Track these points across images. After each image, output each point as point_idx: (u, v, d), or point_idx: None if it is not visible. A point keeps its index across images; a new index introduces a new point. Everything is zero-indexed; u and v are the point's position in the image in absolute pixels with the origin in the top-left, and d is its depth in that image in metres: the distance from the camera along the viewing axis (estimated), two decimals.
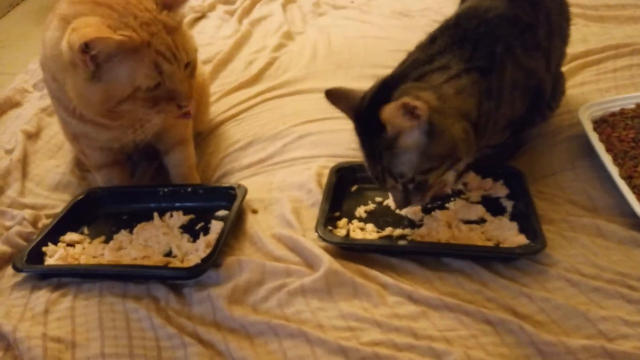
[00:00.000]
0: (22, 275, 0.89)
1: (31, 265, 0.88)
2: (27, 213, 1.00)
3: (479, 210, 0.89)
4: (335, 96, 0.83)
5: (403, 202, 0.83)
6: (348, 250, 0.86)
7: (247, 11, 1.71)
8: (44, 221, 1.01)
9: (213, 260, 0.83)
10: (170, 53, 0.83)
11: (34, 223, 1.00)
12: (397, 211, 0.91)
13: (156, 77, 0.82)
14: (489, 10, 0.89)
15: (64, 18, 0.81)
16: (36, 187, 1.11)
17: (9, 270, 0.90)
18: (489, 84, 0.83)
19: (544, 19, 0.92)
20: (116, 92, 0.82)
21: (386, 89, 0.80)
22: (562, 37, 1.00)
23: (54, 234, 0.95)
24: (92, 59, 0.78)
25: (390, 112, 0.74)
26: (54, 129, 1.24)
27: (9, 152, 1.18)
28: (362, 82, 1.27)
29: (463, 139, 0.79)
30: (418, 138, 0.76)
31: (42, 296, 0.84)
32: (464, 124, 0.79)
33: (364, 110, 0.80)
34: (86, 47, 0.77)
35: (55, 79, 0.86)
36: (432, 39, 0.87)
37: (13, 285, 0.88)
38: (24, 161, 1.15)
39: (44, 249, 0.92)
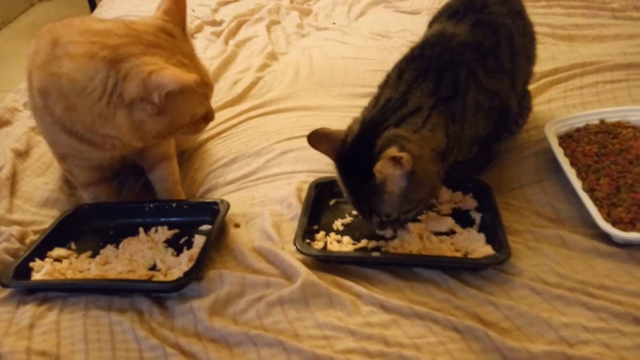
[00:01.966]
0: (9, 290, 0.90)
1: (17, 281, 0.90)
2: (15, 229, 1.02)
3: (449, 223, 0.93)
4: (317, 139, 0.88)
5: (380, 228, 0.91)
6: (324, 262, 0.89)
7: (233, 32, 1.76)
8: (31, 237, 1.03)
9: (195, 274, 0.87)
10: (210, 82, 0.94)
11: (21, 239, 1.02)
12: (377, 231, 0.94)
13: (206, 104, 0.93)
14: (452, 38, 0.94)
15: (108, 58, 0.85)
16: (24, 203, 1.13)
17: None
18: (453, 110, 0.89)
19: (505, 42, 0.97)
20: (178, 121, 0.91)
21: (367, 133, 0.85)
22: (527, 57, 1.05)
23: (41, 249, 0.97)
24: (165, 96, 0.85)
25: (381, 166, 0.80)
26: (43, 148, 1.27)
27: None
28: (342, 100, 1.34)
29: (439, 180, 0.87)
30: (401, 184, 0.82)
31: (28, 311, 0.86)
32: (438, 166, 0.86)
33: (346, 154, 0.86)
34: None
35: (71, 107, 0.90)
36: (400, 71, 0.92)
37: None
38: (13, 179, 1.17)
39: (30, 264, 0.94)
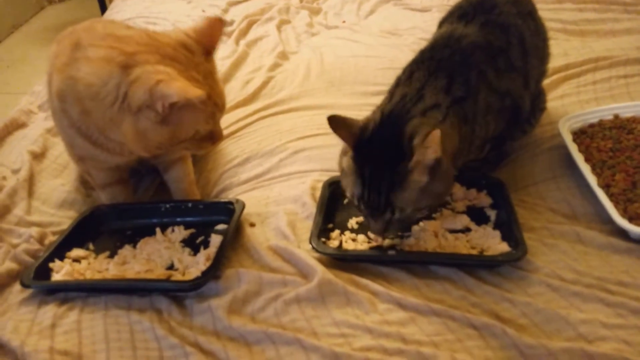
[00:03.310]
0: (30, 291, 0.91)
1: (38, 281, 0.91)
2: (34, 231, 1.04)
3: (464, 220, 0.93)
4: (337, 122, 0.86)
5: (381, 231, 0.87)
6: (340, 261, 0.90)
7: (244, 32, 1.76)
8: (50, 238, 1.04)
9: (213, 272, 0.88)
10: (221, 103, 0.94)
11: (40, 240, 1.03)
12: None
13: (211, 123, 0.93)
14: (461, 39, 0.94)
15: (123, 63, 0.86)
16: (42, 205, 1.14)
17: (17, 286, 0.93)
18: (466, 110, 0.89)
19: (516, 42, 0.97)
20: (180, 134, 0.91)
21: (390, 123, 0.84)
22: (540, 56, 1.05)
23: (60, 250, 0.98)
24: (170, 107, 0.85)
25: (426, 142, 0.78)
26: (59, 149, 1.28)
27: (15, 172, 1.22)
28: (353, 99, 1.34)
29: (453, 179, 0.86)
30: (424, 175, 0.81)
31: (49, 311, 0.87)
32: (452, 166, 0.86)
33: (367, 142, 0.84)
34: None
35: (87, 112, 0.91)
36: (410, 72, 0.92)
37: (21, 301, 0.90)
38: (30, 180, 1.18)
39: (50, 265, 0.95)
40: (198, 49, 0.93)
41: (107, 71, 0.87)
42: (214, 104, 0.92)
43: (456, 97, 0.88)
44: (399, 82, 0.93)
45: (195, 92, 0.83)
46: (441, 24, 1.06)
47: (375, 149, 0.83)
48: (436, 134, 0.77)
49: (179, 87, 0.83)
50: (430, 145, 0.78)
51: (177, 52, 0.90)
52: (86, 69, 0.89)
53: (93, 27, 0.96)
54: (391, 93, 0.92)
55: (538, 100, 1.07)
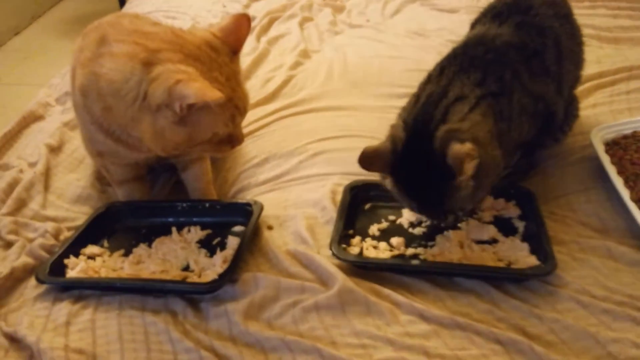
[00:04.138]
0: (45, 286, 0.91)
1: (53, 277, 0.91)
2: (50, 226, 1.03)
3: (490, 231, 0.90)
4: (367, 161, 0.83)
5: (452, 224, 0.89)
6: (361, 268, 0.87)
7: (265, 29, 1.74)
8: (65, 234, 1.03)
9: (230, 275, 0.86)
10: (242, 106, 0.92)
11: (55, 235, 1.02)
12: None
13: (231, 126, 0.91)
14: (495, 38, 0.91)
15: (145, 60, 0.84)
16: (58, 199, 1.13)
17: (32, 281, 0.92)
18: (501, 106, 0.85)
19: (552, 45, 0.94)
20: (198, 136, 0.88)
21: (416, 138, 0.81)
22: (575, 61, 1.02)
23: (75, 247, 0.97)
24: (188, 108, 0.83)
25: (463, 169, 0.76)
26: (75, 143, 1.27)
27: (32, 165, 1.21)
28: (377, 101, 1.31)
29: (497, 157, 0.83)
30: (470, 183, 0.79)
31: (64, 308, 0.86)
32: (495, 145, 0.83)
33: (401, 165, 0.82)
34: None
35: (108, 108, 0.90)
36: (441, 68, 0.89)
37: (36, 296, 0.90)
38: (47, 174, 1.18)
39: (65, 261, 0.94)
40: (224, 48, 0.91)
41: (130, 67, 0.85)
42: (235, 107, 0.89)
43: (490, 91, 0.85)
44: (429, 79, 0.90)
45: (213, 94, 0.81)
46: (473, 25, 1.03)
47: (412, 169, 0.81)
48: (464, 150, 0.75)
49: (198, 88, 0.81)
50: (466, 162, 0.76)
51: (202, 51, 0.88)
52: (109, 65, 0.87)
53: (119, 22, 0.94)
54: (419, 93, 0.89)
55: (571, 107, 1.04)
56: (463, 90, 0.84)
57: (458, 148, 0.76)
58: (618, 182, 0.92)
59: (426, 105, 0.84)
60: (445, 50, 0.98)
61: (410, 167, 0.81)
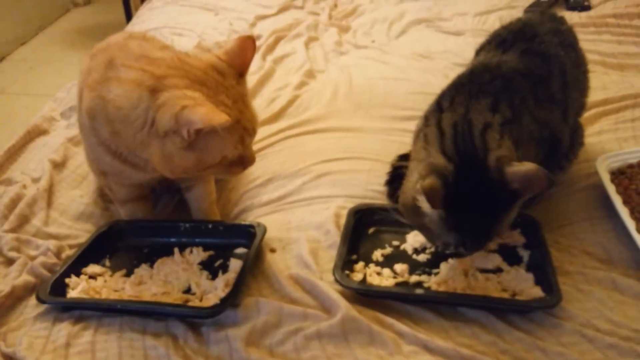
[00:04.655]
0: (45, 306, 0.90)
1: (54, 297, 0.90)
2: (52, 244, 1.02)
3: (495, 260, 0.90)
4: (436, 199, 0.78)
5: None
6: (364, 296, 0.86)
7: (271, 48, 1.74)
8: (67, 252, 1.03)
9: (232, 300, 0.85)
10: (251, 127, 0.91)
11: (57, 254, 1.02)
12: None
13: (240, 149, 0.90)
14: (500, 65, 0.91)
15: (151, 87, 0.85)
16: (60, 216, 1.13)
17: (33, 300, 0.92)
18: (516, 133, 0.85)
19: (557, 72, 0.94)
20: (207, 160, 0.88)
21: (467, 168, 0.80)
22: (580, 89, 1.02)
23: (76, 266, 0.97)
24: (195, 133, 0.83)
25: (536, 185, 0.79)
26: (79, 159, 1.27)
27: (35, 180, 1.21)
28: (382, 123, 1.31)
29: None
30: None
31: (64, 329, 0.86)
32: None
33: (455, 195, 0.79)
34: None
35: (116, 133, 0.90)
36: (451, 98, 0.89)
37: (36, 315, 0.90)
38: (50, 190, 1.17)
39: (66, 280, 0.94)
40: (230, 71, 0.91)
41: (137, 95, 0.85)
42: (243, 129, 0.89)
43: (506, 118, 0.85)
44: (440, 108, 0.89)
45: (220, 118, 0.81)
46: (478, 52, 1.04)
47: (466, 200, 0.79)
48: (527, 168, 0.78)
49: (204, 113, 0.81)
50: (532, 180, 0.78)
51: (207, 75, 0.88)
52: (117, 91, 0.87)
53: (127, 45, 0.94)
54: (436, 120, 0.87)
55: (576, 134, 1.04)
56: (485, 117, 0.84)
57: (518, 168, 0.78)
58: (624, 212, 0.92)
59: (461, 135, 0.83)
60: (450, 73, 0.98)
61: (465, 199, 0.79)
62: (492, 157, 0.80)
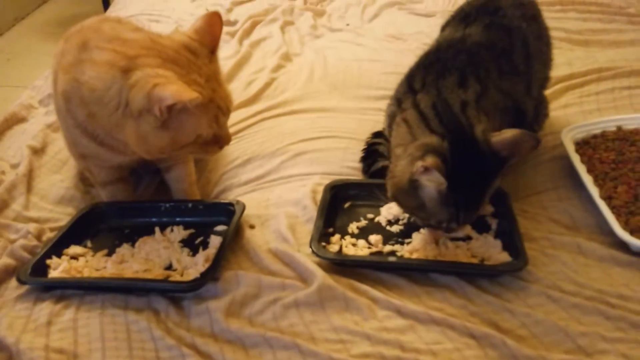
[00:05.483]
0: (26, 287, 0.91)
1: (35, 278, 0.91)
2: (32, 227, 1.03)
3: (465, 228, 0.93)
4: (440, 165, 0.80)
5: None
6: (340, 266, 0.89)
7: (248, 33, 1.75)
8: (48, 235, 1.04)
9: (212, 274, 0.87)
10: (225, 106, 0.92)
11: (38, 236, 1.02)
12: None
13: (215, 127, 0.91)
14: (465, 39, 0.93)
15: (124, 67, 0.85)
16: (40, 200, 1.13)
17: (13, 282, 0.92)
18: (486, 106, 0.88)
19: (520, 45, 0.97)
20: (181, 139, 0.89)
21: (458, 145, 0.82)
22: (544, 61, 1.05)
23: (57, 247, 0.97)
24: (168, 111, 0.84)
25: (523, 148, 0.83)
26: (59, 145, 1.27)
27: (14, 166, 1.21)
28: (356, 103, 1.34)
29: None
30: None
31: (45, 308, 0.87)
32: None
33: (454, 170, 0.80)
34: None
35: (92, 115, 0.91)
36: (422, 80, 0.91)
37: (16, 297, 0.90)
38: (29, 175, 1.18)
39: (47, 261, 0.95)
40: (202, 50, 0.92)
41: (110, 76, 0.86)
42: (217, 107, 0.91)
43: (477, 93, 0.88)
44: (411, 89, 0.91)
45: (190, 94, 0.82)
46: (443, 27, 1.06)
47: (462, 174, 0.81)
48: (512, 134, 0.81)
49: (175, 90, 0.82)
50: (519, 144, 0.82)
51: (180, 55, 0.89)
52: (90, 73, 0.88)
53: (101, 27, 0.95)
54: (412, 105, 0.90)
55: (541, 106, 1.07)
56: (459, 95, 0.87)
57: (504, 136, 0.81)
58: (588, 180, 0.96)
59: (444, 115, 0.86)
60: (422, 53, 1.00)
61: (461, 173, 0.81)
62: (478, 131, 0.83)
